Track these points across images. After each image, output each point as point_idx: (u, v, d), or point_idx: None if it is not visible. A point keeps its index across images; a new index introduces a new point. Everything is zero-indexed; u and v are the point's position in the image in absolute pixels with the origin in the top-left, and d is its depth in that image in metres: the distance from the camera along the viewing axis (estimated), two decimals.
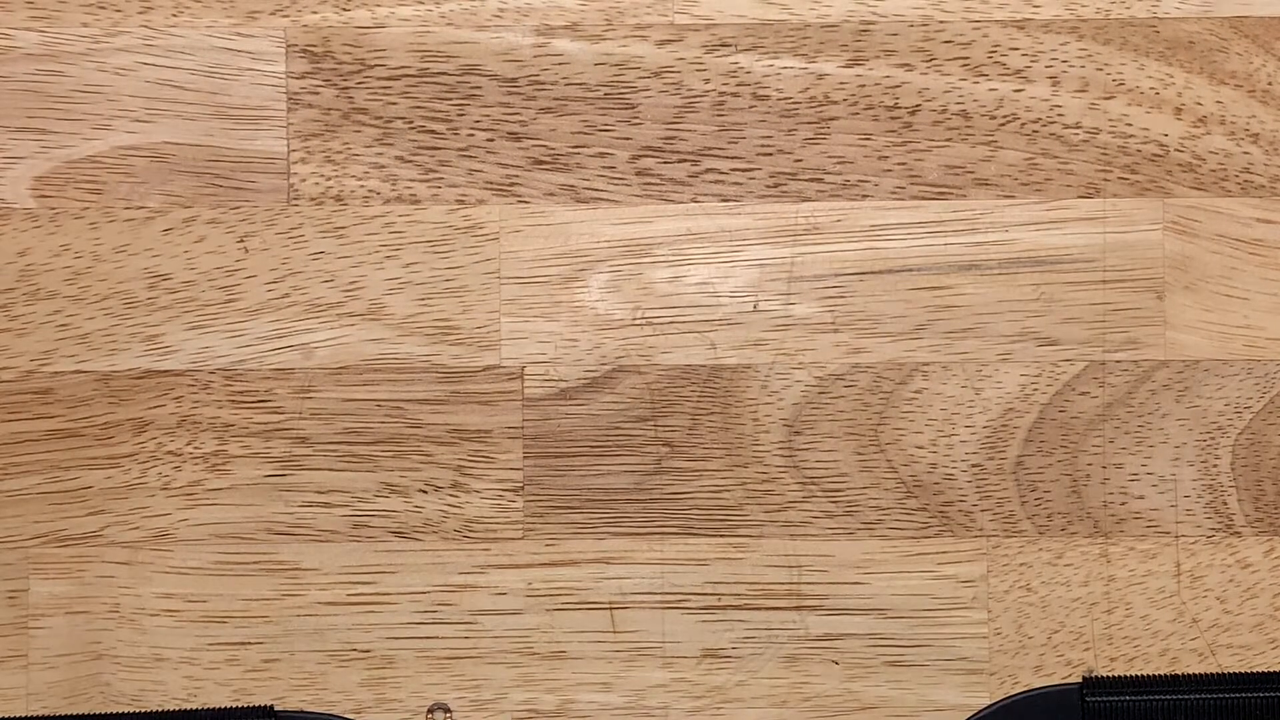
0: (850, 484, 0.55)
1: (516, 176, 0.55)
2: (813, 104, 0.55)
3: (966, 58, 0.55)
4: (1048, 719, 0.48)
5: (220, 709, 0.49)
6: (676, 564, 0.55)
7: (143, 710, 0.53)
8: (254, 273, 0.55)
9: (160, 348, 0.55)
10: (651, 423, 0.55)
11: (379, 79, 0.55)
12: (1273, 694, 0.48)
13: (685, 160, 0.55)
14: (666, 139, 0.55)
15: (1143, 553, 0.54)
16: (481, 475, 0.55)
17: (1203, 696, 0.48)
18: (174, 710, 0.50)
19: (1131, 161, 0.55)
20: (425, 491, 0.55)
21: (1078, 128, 0.55)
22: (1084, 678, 0.48)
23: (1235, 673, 0.51)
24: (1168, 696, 0.48)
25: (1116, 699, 0.47)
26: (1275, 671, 0.51)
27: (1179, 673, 0.51)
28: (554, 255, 0.55)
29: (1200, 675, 0.49)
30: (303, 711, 0.53)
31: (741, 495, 0.55)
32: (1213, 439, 0.54)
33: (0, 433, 0.55)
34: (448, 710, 0.47)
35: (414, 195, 0.55)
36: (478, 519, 0.55)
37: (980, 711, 0.48)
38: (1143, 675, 0.49)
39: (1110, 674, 0.54)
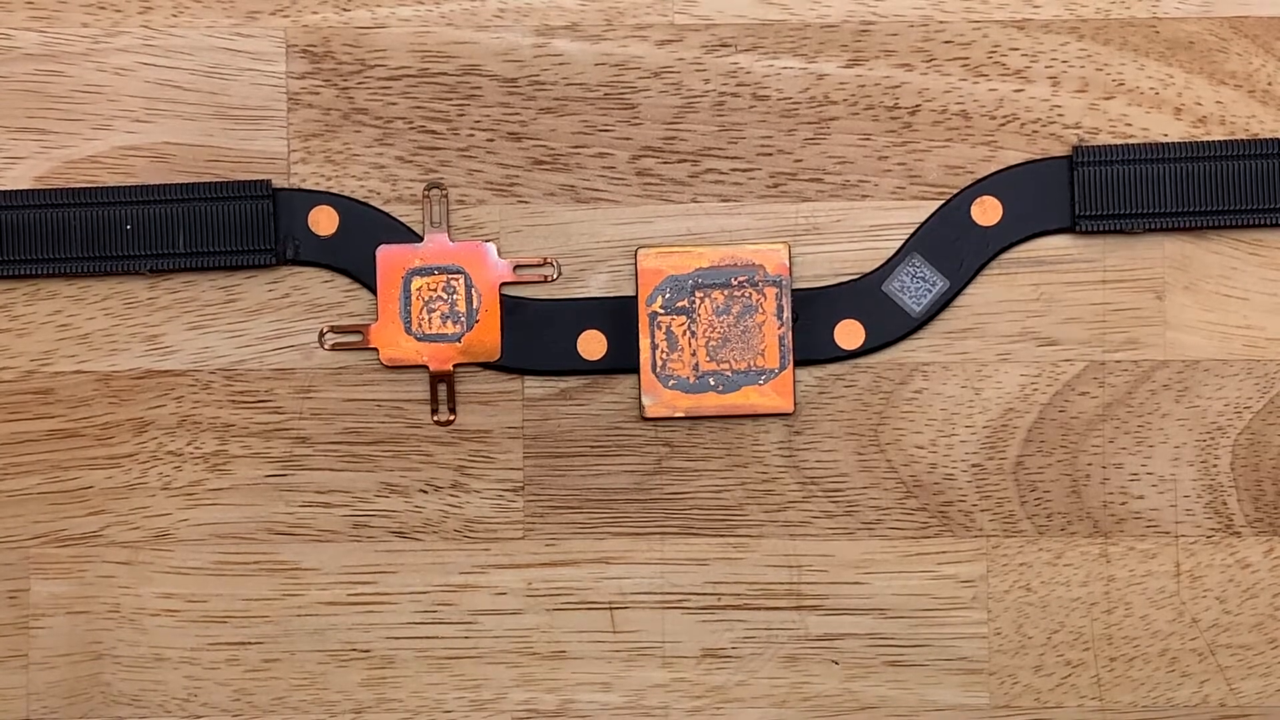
0: (850, 484, 0.55)
1: (516, 176, 0.55)
2: (813, 104, 0.55)
3: (966, 58, 0.55)
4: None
5: None
6: (676, 564, 0.55)
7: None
8: (254, 273, 0.55)
9: (160, 348, 0.55)
10: (652, 423, 0.55)
11: (379, 79, 0.55)
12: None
13: (685, 160, 0.55)
14: (666, 139, 0.55)
15: (1142, 553, 0.54)
16: (481, 475, 0.55)
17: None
18: None
19: None
20: (425, 491, 0.55)
21: (1078, 128, 0.55)
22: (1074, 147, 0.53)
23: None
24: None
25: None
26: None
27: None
28: (554, 255, 0.55)
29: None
30: None
31: (741, 495, 0.55)
32: (1213, 439, 0.54)
33: (0, 433, 0.55)
34: None
35: (414, 195, 0.55)
36: (478, 519, 0.55)
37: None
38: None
39: (1108, 672, 0.54)
